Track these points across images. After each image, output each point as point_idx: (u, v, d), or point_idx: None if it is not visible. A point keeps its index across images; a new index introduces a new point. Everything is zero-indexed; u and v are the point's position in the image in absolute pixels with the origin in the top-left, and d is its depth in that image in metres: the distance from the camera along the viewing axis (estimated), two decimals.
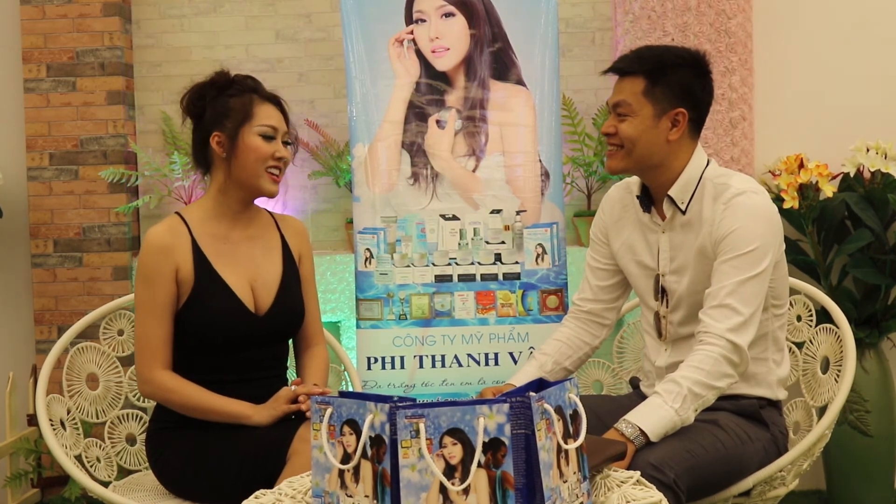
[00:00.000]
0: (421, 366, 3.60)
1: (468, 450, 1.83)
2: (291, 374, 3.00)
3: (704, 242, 2.59)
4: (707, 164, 2.65)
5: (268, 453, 2.57)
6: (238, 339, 2.73)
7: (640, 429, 2.40)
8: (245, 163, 2.73)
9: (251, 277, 2.78)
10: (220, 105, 2.75)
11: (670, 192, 2.64)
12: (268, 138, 2.74)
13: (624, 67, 2.65)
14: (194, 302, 2.72)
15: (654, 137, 2.61)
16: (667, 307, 2.71)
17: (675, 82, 2.59)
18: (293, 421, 2.65)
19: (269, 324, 2.78)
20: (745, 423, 2.62)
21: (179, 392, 2.70)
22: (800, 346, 3.02)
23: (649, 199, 2.72)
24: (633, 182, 2.78)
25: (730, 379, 2.50)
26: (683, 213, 2.64)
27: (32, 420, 4.10)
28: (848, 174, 3.99)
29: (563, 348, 2.90)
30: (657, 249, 2.71)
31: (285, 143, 2.79)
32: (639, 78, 2.61)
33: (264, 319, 2.77)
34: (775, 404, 2.72)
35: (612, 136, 2.64)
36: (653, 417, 2.42)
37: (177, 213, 2.80)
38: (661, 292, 2.72)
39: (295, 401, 2.67)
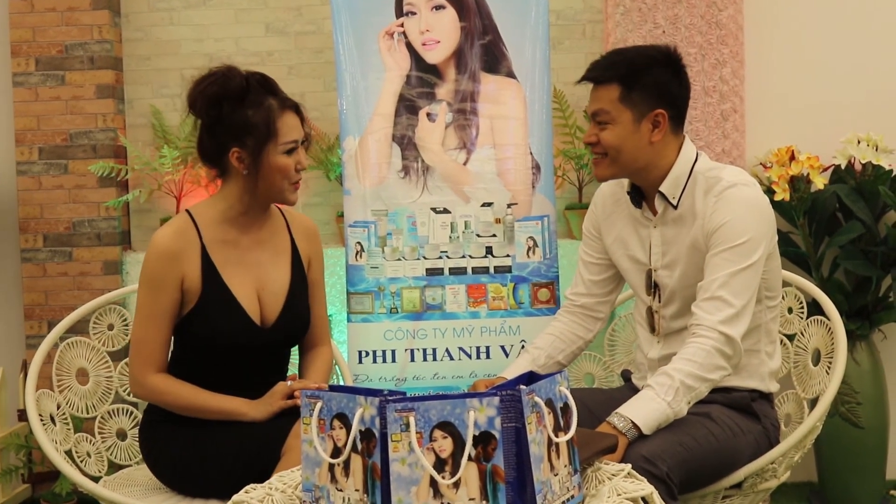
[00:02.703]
0: (412, 359, 3.59)
1: (458, 443, 1.83)
2: (293, 371, 2.99)
3: (696, 236, 2.59)
4: (697, 158, 2.65)
5: (262, 449, 2.56)
6: (242, 351, 2.71)
7: (633, 422, 2.39)
8: (272, 181, 2.65)
9: (259, 286, 2.74)
10: (239, 119, 2.61)
11: (661, 188, 2.63)
12: (290, 151, 2.66)
13: (597, 76, 2.64)
14: (200, 312, 2.68)
15: (637, 142, 2.60)
16: (659, 302, 2.71)
17: (651, 84, 2.58)
18: (288, 417, 2.63)
19: (274, 336, 2.75)
20: (737, 415, 2.62)
21: (174, 394, 2.68)
22: (791, 338, 3.02)
23: (640, 194, 2.71)
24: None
25: (723, 371, 2.50)
26: (675, 207, 2.63)
27: (22, 415, 4.09)
28: (839, 166, 3.99)
29: (556, 342, 2.90)
30: (649, 244, 2.71)
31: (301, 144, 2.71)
32: (613, 85, 2.60)
33: (269, 331, 2.74)
34: (767, 397, 2.72)
35: (595, 144, 2.64)
36: (645, 410, 2.42)
37: (187, 211, 2.73)
38: (654, 287, 2.72)
39: (291, 396, 2.66)
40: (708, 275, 2.54)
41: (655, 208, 2.67)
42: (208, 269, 2.68)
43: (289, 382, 2.69)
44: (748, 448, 2.61)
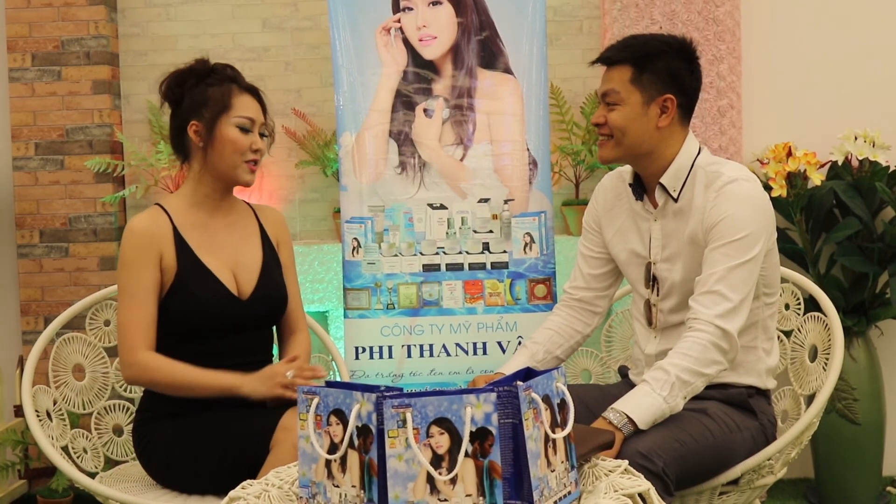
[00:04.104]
0: (409, 355, 3.59)
1: (455, 439, 1.82)
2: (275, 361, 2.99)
3: (695, 230, 2.59)
4: (699, 152, 2.65)
5: (250, 443, 2.58)
6: (223, 325, 2.73)
7: (628, 416, 2.40)
8: (222, 154, 2.74)
9: (233, 263, 2.79)
10: (199, 94, 2.75)
11: (662, 180, 2.64)
12: (245, 130, 2.75)
13: (611, 57, 2.66)
14: (178, 288, 2.72)
15: (644, 125, 2.61)
16: (657, 295, 2.71)
17: (662, 68, 2.59)
18: (275, 410, 2.65)
19: (254, 308, 2.79)
20: (734, 411, 2.62)
21: (164, 371, 2.68)
22: (788, 334, 3.02)
23: (641, 187, 2.71)
24: (626, 170, 2.78)
25: (718, 366, 2.49)
26: (675, 200, 2.64)
27: (19, 411, 4.09)
28: (836, 162, 3.99)
29: (554, 337, 2.90)
30: (649, 237, 2.71)
31: (261, 135, 2.80)
32: (626, 66, 2.61)
33: (248, 304, 2.78)
34: (764, 393, 2.72)
35: (602, 126, 2.65)
36: (641, 405, 2.42)
37: (157, 204, 2.81)
38: (653, 280, 2.72)
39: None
40: (706, 269, 2.54)
41: (656, 201, 2.68)
42: (182, 249, 2.74)
43: (289, 374, 2.69)
44: (744, 444, 2.61)
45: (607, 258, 2.88)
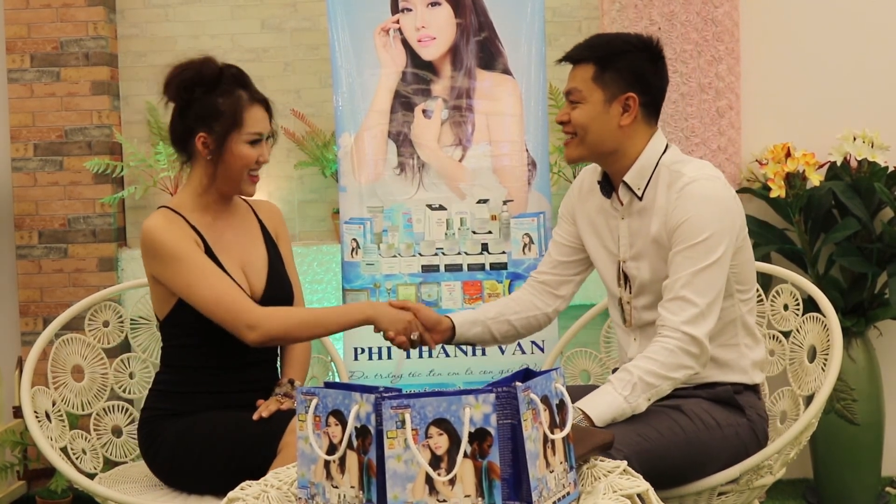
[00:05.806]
0: (408, 356, 3.58)
1: (454, 440, 1.82)
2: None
3: (659, 231, 2.58)
4: (665, 150, 2.64)
5: (258, 445, 2.58)
6: None
7: (584, 412, 2.38)
8: (231, 169, 2.72)
9: (242, 264, 2.79)
10: (209, 104, 2.69)
11: (625, 178, 2.63)
12: (254, 143, 2.72)
13: (575, 55, 2.67)
14: None
15: (606, 123, 2.60)
16: (630, 293, 2.71)
17: (625, 67, 2.59)
18: (284, 413, 2.65)
19: (265, 306, 2.77)
20: (718, 408, 2.59)
21: (293, 316, 2.71)
22: (787, 334, 3.02)
23: (610, 184, 2.71)
24: (598, 167, 2.78)
25: (687, 371, 2.48)
26: (640, 199, 2.63)
27: (18, 412, 4.09)
28: (835, 163, 3.99)
29: (509, 304, 2.89)
30: (618, 235, 2.71)
31: (266, 138, 2.78)
32: (589, 65, 2.62)
33: (261, 303, 2.75)
34: (752, 388, 2.70)
35: (566, 124, 2.65)
36: (600, 403, 2.40)
37: (164, 206, 2.78)
38: (624, 278, 2.71)
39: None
40: (671, 274, 2.53)
41: (622, 199, 2.68)
42: (204, 248, 2.72)
43: (415, 335, 2.75)
44: (727, 442, 2.58)
45: (578, 247, 2.87)
